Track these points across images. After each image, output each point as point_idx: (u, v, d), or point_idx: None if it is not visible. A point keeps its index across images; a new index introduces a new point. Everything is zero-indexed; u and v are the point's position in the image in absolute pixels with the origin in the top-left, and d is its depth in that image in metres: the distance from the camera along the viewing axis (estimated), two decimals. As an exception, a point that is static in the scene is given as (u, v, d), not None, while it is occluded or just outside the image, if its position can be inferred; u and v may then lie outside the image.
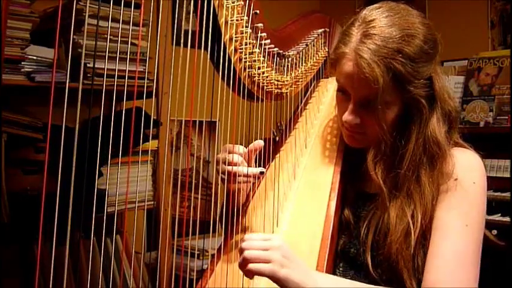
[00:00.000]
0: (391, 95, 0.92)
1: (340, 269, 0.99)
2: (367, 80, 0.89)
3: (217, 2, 0.90)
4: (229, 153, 0.99)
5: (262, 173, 0.99)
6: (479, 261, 0.88)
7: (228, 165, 0.98)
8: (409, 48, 0.90)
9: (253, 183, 1.09)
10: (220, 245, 1.02)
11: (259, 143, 1.04)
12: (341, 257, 0.99)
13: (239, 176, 0.97)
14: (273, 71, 1.07)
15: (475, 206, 0.91)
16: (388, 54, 0.89)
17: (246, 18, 0.96)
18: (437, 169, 0.93)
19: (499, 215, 2.31)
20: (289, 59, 1.12)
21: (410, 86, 0.92)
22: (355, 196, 1.04)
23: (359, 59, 0.90)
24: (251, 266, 0.78)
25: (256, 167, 1.04)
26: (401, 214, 0.92)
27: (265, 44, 1.02)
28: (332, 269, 0.96)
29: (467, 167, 0.93)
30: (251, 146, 1.03)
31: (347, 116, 0.97)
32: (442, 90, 0.96)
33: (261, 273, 0.78)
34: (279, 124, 1.18)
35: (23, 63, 1.58)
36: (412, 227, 0.90)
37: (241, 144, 1.04)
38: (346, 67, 0.94)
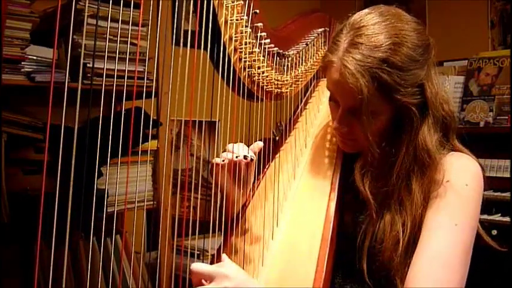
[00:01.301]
0: (378, 105, 0.91)
1: (339, 275, 0.98)
2: (352, 90, 0.88)
3: (217, 1, 0.90)
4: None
5: (245, 157, 0.98)
6: (468, 263, 0.86)
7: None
8: (395, 58, 0.88)
9: (252, 184, 1.09)
10: (220, 245, 1.02)
11: (258, 144, 1.04)
12: (339, 263, 0.98)
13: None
14: (273, 71, 1.07)
15: (466, 207, 0.89)
16: (373, 64, 0.87)
17: (245, 17, 0.96)
18: (427, 177, 0.91)
19: (499, 215, 2.31)
20: (289, 58, 1.12)
21: (398, 95, 0.90)
22: (353, 200, 1.04)
23: (343, 69, 0.89)
24: None
25: (256, 167, 1.04)
26: (392, 222, 0.91)
27: (265, 44, 1.02)
28: (331, 273, 0.96)
29: (460, 170, 0.92)
30: (250, 148, 1.03)
31: (335, 124, 0.98)
32: (434, 97, 0.94)
33: None
34: (278, 124, 1.18)
35: (23, 63, 1.58)
36: (401, 235, 0.89)
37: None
38: (333, 76, 0.93)
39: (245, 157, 0.98)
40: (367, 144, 0.94)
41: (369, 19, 0.93)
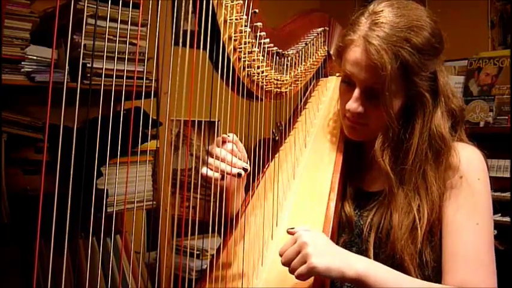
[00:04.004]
0: (397, 85, 0.92)
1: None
2: (375, 66, 0.90)
3: (216, 1, 0.90)
4: (217, 146, 0.99)
5: (240, 175, 0.97)
6: (494, 257, 0.88)
7: (211, 157, 0.97)
8: (417, 39, 0.91)
9: (252, 183, 1.09)
10: (220, 245, 1.02)
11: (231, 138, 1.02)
12: None
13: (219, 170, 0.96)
14: (273, 70, 1.07)
15: (482, 203, 0.91)
16: (396, 43, 0.90)
17: (245, 17, 0.96)
18: (443, 165, 0.93)
19: (499, 215, 2.31)
20: (289, 58, 1.12)
21: (416, 78, 0.92)
22: (355, 195, 1.04)
23: (368, 45, 0.91)
24: (295, 275, 0.81)
25: (256, 167, 1.04)
26: (407, 209, 0.92)
27: (264, 43, 1.02)
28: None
29: (470, 164, 0.93)
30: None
31: (351, 104, 0.96)
32: (445, 86, 0.97)
33: (304, 276, 0.81)
34: (278, 123, 1.18)
35: (23, 63, 1.58)
36: (418, 222, 0.90)
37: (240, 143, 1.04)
38: (354, 54, 0.94)
39: (244, 170, 0.98)
40: (380, 127, 0.95)
41: (389, 5, 0.96)
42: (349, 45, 0.95)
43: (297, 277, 0.81)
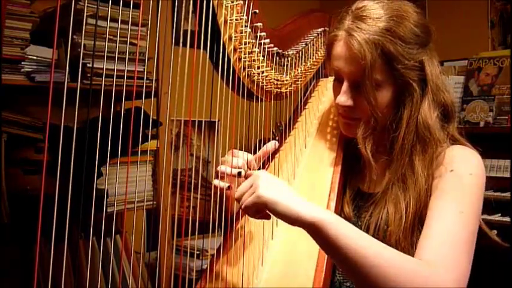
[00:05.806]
0: (381, 74, 0.93)
1: (340, 271, 0.98)
2: (356, 56, 0.92)
3: (216, 1, 0.90)
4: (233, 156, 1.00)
5: (239, 174, 0.98)
6: (473, 251, 0.85)
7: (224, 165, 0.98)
8: (398, 28, 0.93)
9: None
10: (220, 245, 1.02)
11: (273, 144, 1.05)
12: None
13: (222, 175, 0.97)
14: (273, 71, 1.08)
15: (470, 196, 0.89)
16: (376, 32, 0.92)
17: (245, 17, 0.97)
18: (429, 154, 0.93)
19: (499, 215, 2.31)
20: (289, 58, 1.12)
21: (399, 65, 0.93)
22: (355, 196, 1.04)
23: (348, 37, 0.94)
24: (242, 207, 0.81)
25: (257, 167, 1.04)
26: (397, 201, 0.93)
27: (264, 44, 1.03)
28: (332, 269, 0.96)
29: (464, 160, 0.93)
30: (264, 148, 1.04)
31: (339, 98, 0.98)
32: (434, 77, 0.97)
33: (250, 207, 0.80)
34: (278, 124, 1.18)
35: (23, 63, 1.58)
36: (404, 214, 0.91)
37: (240, 143, 1.04)
38: (337, 48, 0.97)
39: (239, 174, 0.99)
40: (370, 114, 0.95)
41: (371, 2, 0.97)
42: (334, 41, 0.98)
43: (244, 210, 0.81)
